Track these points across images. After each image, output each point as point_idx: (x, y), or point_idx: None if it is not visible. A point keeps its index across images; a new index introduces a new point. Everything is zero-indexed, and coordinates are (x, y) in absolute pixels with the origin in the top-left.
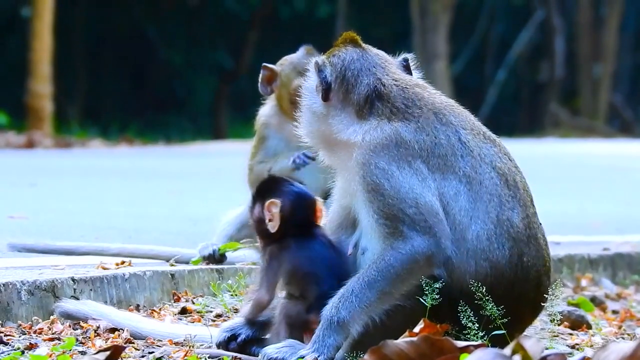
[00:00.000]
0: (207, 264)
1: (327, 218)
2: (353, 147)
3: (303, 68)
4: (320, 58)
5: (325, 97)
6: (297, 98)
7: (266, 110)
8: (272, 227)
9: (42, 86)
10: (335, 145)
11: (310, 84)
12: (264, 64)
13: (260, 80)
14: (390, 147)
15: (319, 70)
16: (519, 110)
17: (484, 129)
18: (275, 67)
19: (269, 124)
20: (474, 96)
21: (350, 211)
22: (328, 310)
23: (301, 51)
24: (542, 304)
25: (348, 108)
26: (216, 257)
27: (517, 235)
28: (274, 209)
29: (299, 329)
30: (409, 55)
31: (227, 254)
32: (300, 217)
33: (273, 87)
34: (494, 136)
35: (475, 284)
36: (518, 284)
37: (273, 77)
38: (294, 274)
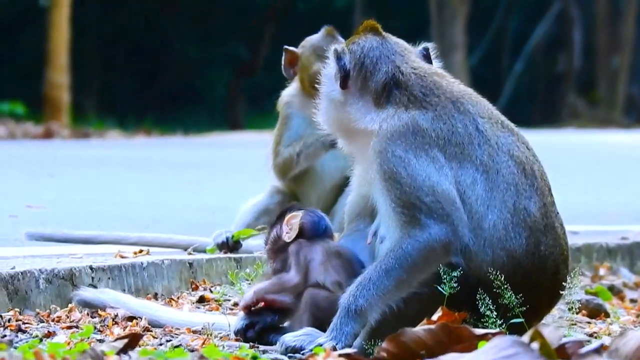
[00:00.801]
0: (224, 252)
1: (345, 207)
2: (371, 135)
3: (323, 51)
4: (340, 46)
5: (344, 85)
6: (318, 81)
7: (289, 90)
8: (289, 237)
9: (59, 77)
10: (353, 133)
11: (329, 71)
12: (285, 46)
13: (282, 63)
14: (407, 135)
15: (338, 57)
16: (536, 102)
17: (502, 117)
18: (297, 49)
19: (292, 103)
20: (492, 88)
21: (369, 200)
22: (345, 298)
23: (321, 33)
24: (560, 293)
25: (366, 96)
26: (230, 244)
27: (534, 224)
28: (293, 220)
29: (326, 322)
30: (429, 45)
31: (244, 242)
32: (318, 235)
33: (295, 69)
34: (512, 125)
35: (494, 273)
36: (535, 273)
37: (295, 59)
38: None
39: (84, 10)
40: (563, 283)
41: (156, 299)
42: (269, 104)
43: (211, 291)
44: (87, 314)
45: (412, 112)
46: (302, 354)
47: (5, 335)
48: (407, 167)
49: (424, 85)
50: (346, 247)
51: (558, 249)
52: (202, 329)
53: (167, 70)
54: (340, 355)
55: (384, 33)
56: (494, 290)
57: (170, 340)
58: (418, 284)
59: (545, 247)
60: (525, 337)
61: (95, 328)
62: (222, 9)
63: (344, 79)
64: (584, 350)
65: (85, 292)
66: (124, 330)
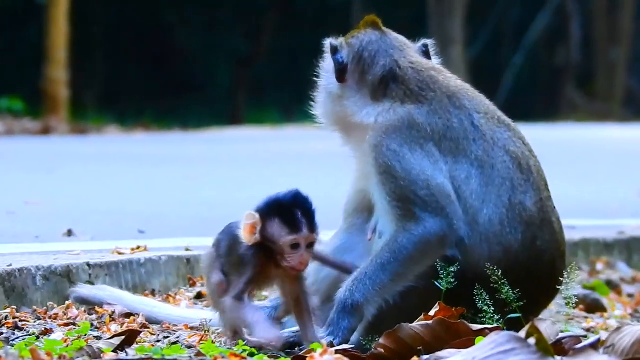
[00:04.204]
0: None
1: (344, 201)
2: (367, 129)
3: None
4: (339, 40)
5: (340, 78)
6: None
7: None
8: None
9: (58, 72)
10: (350, 127)
11: (327, 64)
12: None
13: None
14: (403, 130)
15: (333, 51)
16: (535, 95)
17: (499, 113)
18: None
19: None
20: (491, 80)
21: (366, 194)
22: (342, 293)
23: None
24: (557, 288)
25: (363, 90)
26: None
27: (530, 219)
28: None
29: None
30: (429, 41)
31: None
32: None
33: None
34: (508, 120)
35: (491, 268)
36: (532, 268)
37: None
38: None
39: (84, 4)
40: (560, 278)
41: (153, 296)
42: (269, 96)
43: None
44: (84, 311)
45: (408, 106)
46: (299, 350)
47: (2, 333)
48: (402, 161)
49: (420, 79)
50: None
51: (555, 244)
52: (200, 325)
53: (169, 63)
54: (337, 352)
55: (383, 28)
56: (492, 285)
57: (168, 337)
58: (415, 277)
59: (541, 242)
60: (522, 333)
61: (92, 325)
62: (223, 1)
63: (340, 73)
64: (580, 345)
65: (83, 289)
66: (121, 327)
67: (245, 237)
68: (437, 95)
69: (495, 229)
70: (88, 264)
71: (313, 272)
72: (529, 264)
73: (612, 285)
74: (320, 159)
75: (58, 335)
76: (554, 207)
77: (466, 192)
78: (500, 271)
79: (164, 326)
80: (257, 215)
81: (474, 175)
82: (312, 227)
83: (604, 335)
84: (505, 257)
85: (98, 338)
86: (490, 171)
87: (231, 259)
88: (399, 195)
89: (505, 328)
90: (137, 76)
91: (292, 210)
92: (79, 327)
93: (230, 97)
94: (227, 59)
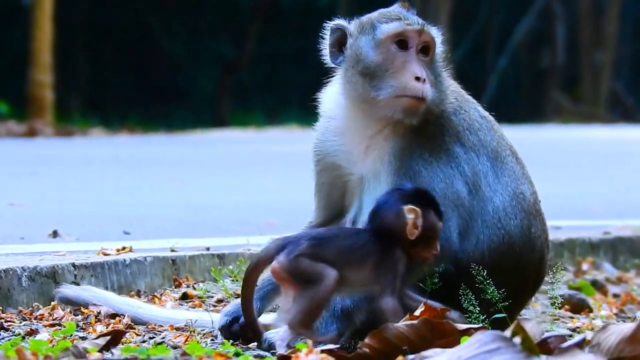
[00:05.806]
0: None
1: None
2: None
3: None
4: None
5: None
6: None
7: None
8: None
9: (42, 75)
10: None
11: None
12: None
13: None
14: (436, 135)
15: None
16: (520, 98)
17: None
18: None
19: None
20: (476, 84)
21: (345, 184)
22: None
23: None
24: (543, 278)
25: None
26: None
27: (528, 207)
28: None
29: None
30: None
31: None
32: None
33: None
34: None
35: (477, 269)
36: (525, 254)
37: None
38: None
39: (68, 8)
40: (546, 267)
41: (139, 296)
42: (254, 101)
43: (194, 288)
44: (70, 312)
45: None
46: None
47: None
48: (428, 167)
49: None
50: None
51: (544, 234)
52: (185, 325)
53: (153, 68)
54: (322, 351)
55: None
56: (477, 285)
57: (153, 337)
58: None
59: (535, 229)
60: (508, 332)
61: (77, 325)
62: (208, 7)
63: None
64: (565, 344)
65: (68, 290)
66: (106, 327)
67: (411, 232)
68: (453, 92)
69: (500, 215)
70: (73, 265)
71: None
72: (522, 250)
73: (597, 286)
74: (305, 160)
75: (44, 335)
76: (540, 200)
77: (483, 184)
78: (496, 256)
79: (149, 327)
80: (419, 210)
81: (490, 168)
82: None
83: (589, 334)
84: (504, 241)
85: (83, 338)
86: (501, 164)
87: (368, 266)
88: None
89: (490, 327)
90: (121, 81)
91: (434, 201)
92: (64, 327)
93: (214, 103)
94: (212, 64)
